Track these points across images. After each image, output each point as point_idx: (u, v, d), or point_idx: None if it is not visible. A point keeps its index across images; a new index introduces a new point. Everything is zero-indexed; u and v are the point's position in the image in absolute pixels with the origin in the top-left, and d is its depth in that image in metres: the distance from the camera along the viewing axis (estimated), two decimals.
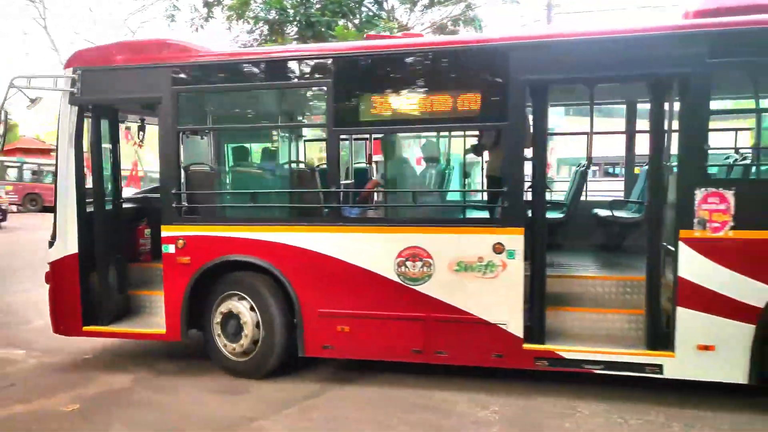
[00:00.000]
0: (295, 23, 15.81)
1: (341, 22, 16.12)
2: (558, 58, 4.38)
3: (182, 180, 5.35)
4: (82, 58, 5.36)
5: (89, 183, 5.44)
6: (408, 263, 4.61)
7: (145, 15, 31.64)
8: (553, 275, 4.75)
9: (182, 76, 5.09)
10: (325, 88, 4.80)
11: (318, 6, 15.47)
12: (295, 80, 5.11)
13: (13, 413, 4.41)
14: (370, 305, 4.72)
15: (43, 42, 32.73)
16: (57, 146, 5.29)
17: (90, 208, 5.33)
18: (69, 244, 5.22)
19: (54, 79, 5.22)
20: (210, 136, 6.63)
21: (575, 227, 5.75)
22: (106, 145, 5.59)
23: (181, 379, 5.10)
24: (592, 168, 6.16)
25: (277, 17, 15.66)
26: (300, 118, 6.16)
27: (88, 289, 5.30)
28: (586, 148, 5.72)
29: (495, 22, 19.78)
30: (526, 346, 4.44)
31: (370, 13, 16.79)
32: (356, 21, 16.87)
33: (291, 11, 15.41)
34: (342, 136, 5.63)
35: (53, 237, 5.30)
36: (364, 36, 7.26)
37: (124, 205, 5.83)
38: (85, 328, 5.30)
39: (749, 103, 4.66)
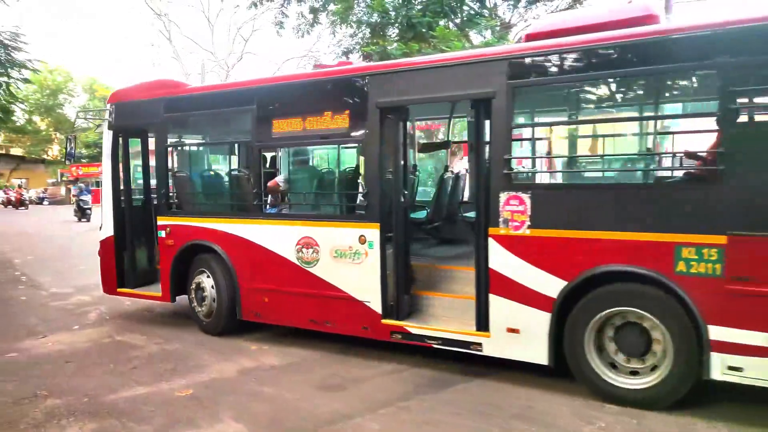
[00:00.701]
0: (397, 25, 15.94)
1: (442, 22, 16.03)
2: (398, 84, 5.26)
3: (170, 183, 6.90)
4: (116, 96, 7.34)
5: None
6: (303, 250, 5.78)
7: (256, 24, 33.37)
8: (414, 264, 5.69)
9: (170, 106, 6.74)
10: (249, 114, 6.11)
11: (419, 7, 15.50)
12: (236, 107, 6.40)
13: (136, 394, 4.80)
14: (280, 282, 5.95)
15: (168, 52, 35.59)
16: (102, 160, 7.29)
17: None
18: (108, 230, 7.22)
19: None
20: (188, 149, 7.80)
21: (441, 226, 6.84)
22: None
23: (283, 373, 5.30)
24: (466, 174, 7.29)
25: (379, 20, 15.87)
26: (240, 136, 7.39)
27: (121, 262, 7.21)
28: (446, 158, 7.18)
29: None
30: (384, 321, 5.35)
31: (472, 12, 16.54)
32: (457, 20, 16.70)
33: (393, 13, 15.57)
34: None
35: (102, 225, 7.30)
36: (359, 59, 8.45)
37: (155, 202, 7.22)
38: (118, 290, 7.27)
39: (552, 117, 5.91)
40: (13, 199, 37.31)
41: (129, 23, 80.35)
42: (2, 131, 37.37)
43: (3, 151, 52.88)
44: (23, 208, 34.50)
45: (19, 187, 38.50)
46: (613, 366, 4.44)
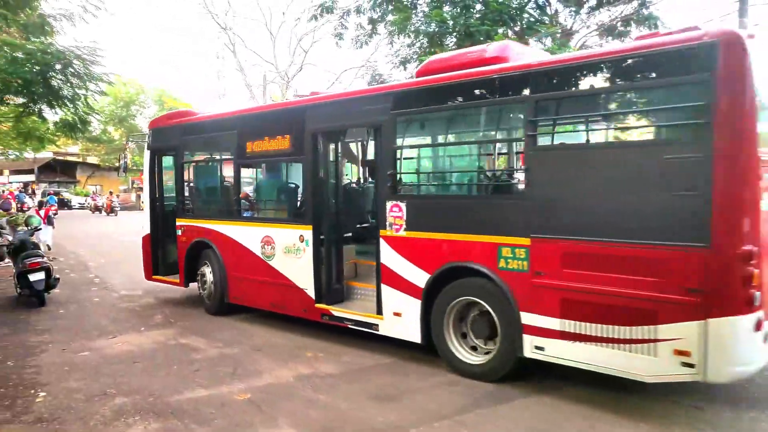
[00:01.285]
0: (455, 34, 15.88)
1: (500, 30, 15.85)
2: (320, 115, 6.61)
3: (185, 192, 8.62)
4: (153, 123, 9.54)
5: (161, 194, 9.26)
6: (265, 246, 7.20)
7: (316, 35, 34.11)
8: (354, 260, 7.16)
9: (183, 130, 8.54)
10: (232, 137, 7.69)
11: (478, 16, 15.39)
12: (227, 132, 7.89)
13: (198, 396, 4.96)
14: (252, 273, 7.40)
15: (232, 64, 36.88)
16: (144, 173, 9.43)
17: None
18: (146, 229, 9.16)
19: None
20: (195, 165, 9.08)
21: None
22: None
23: (339, 381, 5.34)
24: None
25: (436, 29, 15.87)
26: (227, 154, 8.45)
27: (156, 255, 9.11)
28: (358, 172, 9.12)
29: (674, 18, 17.95)
30: (316, 305, 6.64)
31: (532, 19, 16.27)
32: (516, 28, 16.47)
33: (450, 23, 15.52)
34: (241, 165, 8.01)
35: (143, 225, 9.30)
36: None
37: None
38: (153, 276, 9.16)
39: (421, 140, 7.00)
40: (101, 205, 39.52)
41: (197, 37, 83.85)
42: (80, 141, 39.76)
43: (80, 159, 56.40)
44: (113, 214, 36.37)
45: (110, 194, 40.80)
46: (474, 348, 5.41)
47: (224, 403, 4.80)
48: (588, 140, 4.94)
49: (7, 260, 11.16)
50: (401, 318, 5.75)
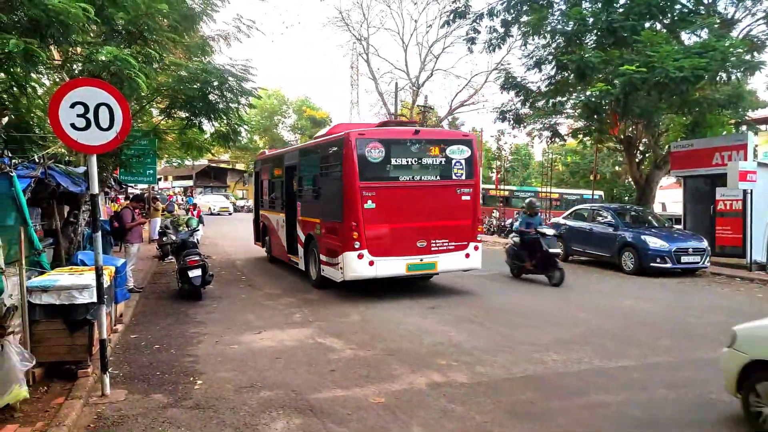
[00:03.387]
0: (595, 32, 15.00)
1: (647, 24, 14.68)
2: (286, 158, 13.58)
3: (260, 196, 16.27)
4: (259, 156, 17.72)
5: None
6: (277, 224, 13.91)
7: (446, 40, 34.19)
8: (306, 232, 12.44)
9: (260, 162, 16.66)
10: (267, 167, 15.51)
11: (621, 10, 14.39)
12: (265, 164, 15.77)
13: (335, 396, 5.13)
14: (276, 239, 14.04)
15: (365, 72, 38.28)
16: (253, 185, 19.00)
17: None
18: (253, 216, 17.43)
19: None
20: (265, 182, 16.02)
21: None
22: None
23: (473, 392, 5.22)
24: None
25: (575, 28, 15.10)
26: (266, 176, 15.85)
27: (257, 230, 16.33)
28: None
29: None
30: (288, 254, 13.17)
31: (685, 11, 14.85)
32: (666, 21, 15.14)
33: (590, 20, 14.69)
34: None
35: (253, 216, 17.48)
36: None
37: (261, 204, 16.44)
38: (256, 242, 16.45)
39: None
40: (242, 207, 43.78)
41: (335, 48, 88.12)
42: (231, 149, 43.58)
43: (231, 166, 61.91)
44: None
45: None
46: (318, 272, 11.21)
47: (359, 405, 4.91)
48: (319, 174, 11.12)
49: (170, 257, 12.52)
50: (300, 258, 11.88)
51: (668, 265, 12.54)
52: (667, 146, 18.12)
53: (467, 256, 9.96)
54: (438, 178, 9.87)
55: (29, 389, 4.74)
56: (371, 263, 9.25)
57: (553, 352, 6.44)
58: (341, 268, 9.40)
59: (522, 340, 7.03)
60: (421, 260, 9.61)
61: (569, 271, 12.92)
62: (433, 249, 9.65)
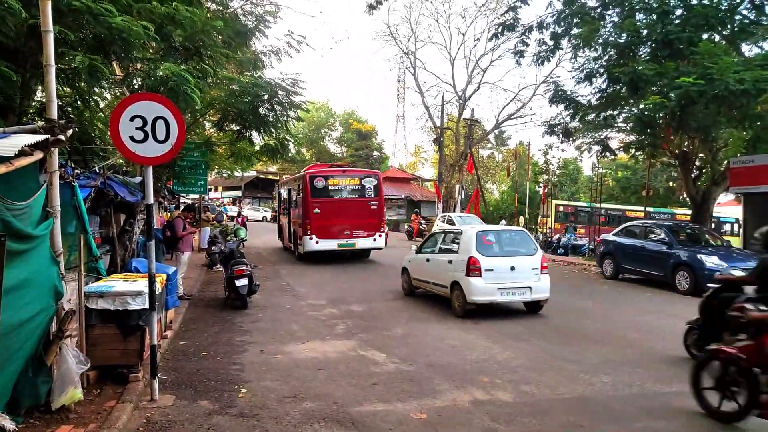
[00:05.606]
0: (650, 43, 14.59)
1: (705, 36, 14.17)
2: (283, 186, 23.97)
3: (280, 207, 24.73)
4: (281, 180, 31.44)
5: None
6: (282, 224, 22.95)
7: (494, 54, 34.04)
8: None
9: (279, 185, 28.38)
10: (281, 187, 25.26)
11: (677, 22, 13.96)
12: (285, 186, 23.22)
13: (376, 410, 5.11)
14: (287, 234, 21.19)
15: (412, 85, 38.56)
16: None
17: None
18: (277, 222, 26.22)
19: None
20: (284, 197, 22.81)
21: None
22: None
23: (517, 412, 5.09)
24: None
25: (628, 40, 14.74)
26: (288, 193, 22.21)
27: (280, 232, 22.67)
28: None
29: None
30: (288, 243, 21.65)
31: (746, 21, 14.27)
32: (725, 32, 14.58)
33: (644, 32, 14.31)
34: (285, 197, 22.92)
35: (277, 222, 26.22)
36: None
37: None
38: (279, 239, 23.16)
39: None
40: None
41: (382, 62, 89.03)
42: (279, 161, 44.50)
43: (278, 178, 63.21)
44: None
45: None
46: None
47: (401, 420, 4.87)
48: (296, 194, 18.67)
49: (218, 266, 12.84)
50: (292, 244, 19.08)
51: None
52: (725, 161, 17.38)
53: (374, 240, 17.34)
54: (357, 196, 17.42)
55: (83, 391, 4.93)
56: (317, 242, 16.63)
57: (602, 373, 6.23)
58: (302, 245, 16.98)
59: (569, 358, 6.84)
60: (346, 242, 16.96)
61: (618, 291, 12.48)
62: (354, 236, 17.01)
